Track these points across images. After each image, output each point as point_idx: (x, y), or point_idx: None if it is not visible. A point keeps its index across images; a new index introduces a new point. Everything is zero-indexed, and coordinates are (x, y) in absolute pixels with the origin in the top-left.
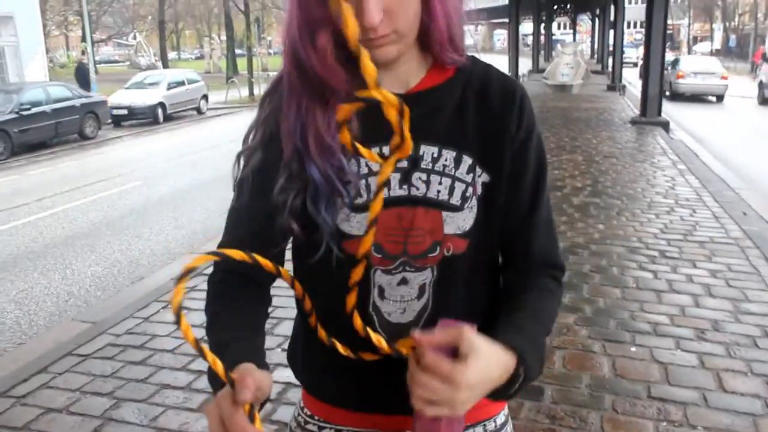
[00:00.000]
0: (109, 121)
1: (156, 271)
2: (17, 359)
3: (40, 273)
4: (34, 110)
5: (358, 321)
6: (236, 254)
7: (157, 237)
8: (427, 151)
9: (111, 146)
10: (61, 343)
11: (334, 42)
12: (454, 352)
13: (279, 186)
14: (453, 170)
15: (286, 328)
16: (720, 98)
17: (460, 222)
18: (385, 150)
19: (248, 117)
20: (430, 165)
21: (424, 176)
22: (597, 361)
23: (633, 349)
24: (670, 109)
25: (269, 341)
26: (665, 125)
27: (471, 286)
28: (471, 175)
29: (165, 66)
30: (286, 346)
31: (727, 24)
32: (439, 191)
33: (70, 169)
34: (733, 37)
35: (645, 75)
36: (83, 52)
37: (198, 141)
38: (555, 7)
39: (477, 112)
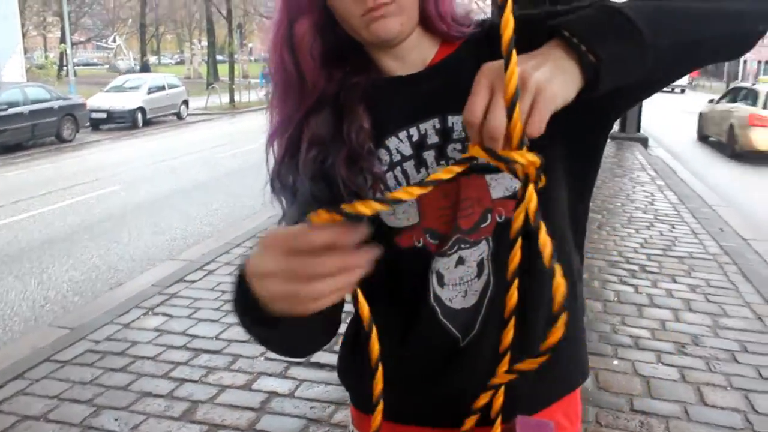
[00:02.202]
0: (88, 124)
1: (135, 277)
2: None
3: (15, 277)
4: (11, 111)
5: None
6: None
7: (136, 242)
8: (456, 121)
9: (89, 150)
10: (38, 348)
11: (316, 35)
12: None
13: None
14: None
15: None
16: None
17: (507, 183)
18: (413, 132)
19: (228, 124)
20: (463, 134)
21: (458, 146)
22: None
23: (615, 362)
24: None
25: (251, 350)
26: (644, 141)
27: (534, 263)
28: None
29: (145, 70)
30: (269, 354)
31: None
32: None
33: (46, 171)
34: None
35: None
36: (62, 53)
37: (178, 147)
38: None
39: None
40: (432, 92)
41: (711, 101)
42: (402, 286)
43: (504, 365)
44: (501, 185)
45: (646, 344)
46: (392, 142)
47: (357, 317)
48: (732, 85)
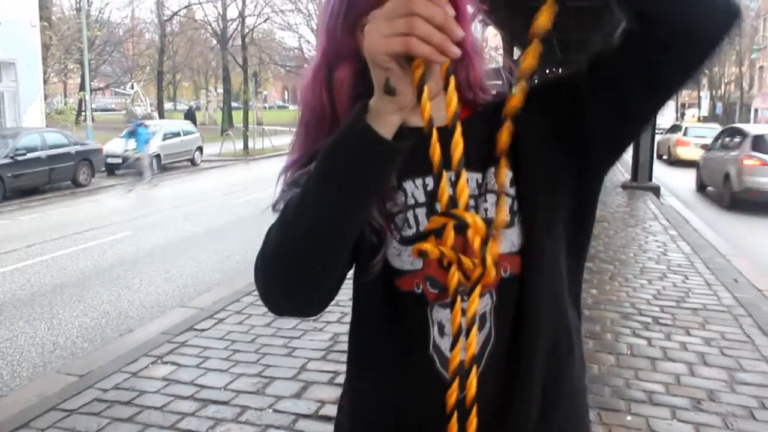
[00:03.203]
0: (103, 169)
1: (145, 324)
2: None
3: (26, 322)
4: (29, 156)
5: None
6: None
7: (147, 289)
8: (469, 177)
9: (104, 195)
10: (46, 396)
11: (353, 82)
12: None
13: None
14: (495, 186)
15: (278, 388)
16: None
17: (513, 239)
18: (428, 181)
19: (242, 170)
20: (476, 191)
21: (471, 202)
22: (593, 431)
23: (629, 418)
24: None
25: (259, 401)
26: (656, 190)
27: (534, 317)
28: (514, 188)
29: (161, 116)
30: (278, 406)
31: (714, 92)
32: (486, 209)
33: (61, 216)
34: (719, 104)
35: (635, 141)
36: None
37: (191, 193)
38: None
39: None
40: (448, 148)
41: (661, 132)
42: (399, 332)
43: (473, 420)
44: (508, 240)
45: (660, 399)
46: (409, 186)
47: (350, 383)
48: (672, 123)
